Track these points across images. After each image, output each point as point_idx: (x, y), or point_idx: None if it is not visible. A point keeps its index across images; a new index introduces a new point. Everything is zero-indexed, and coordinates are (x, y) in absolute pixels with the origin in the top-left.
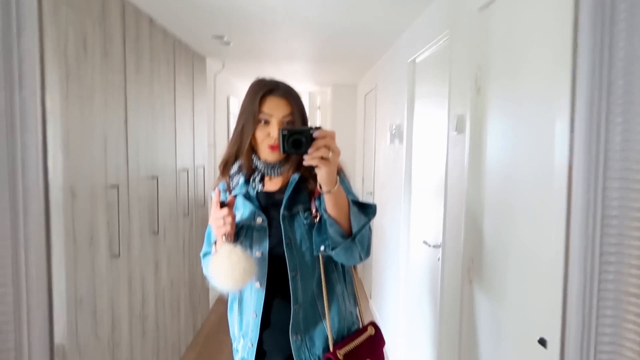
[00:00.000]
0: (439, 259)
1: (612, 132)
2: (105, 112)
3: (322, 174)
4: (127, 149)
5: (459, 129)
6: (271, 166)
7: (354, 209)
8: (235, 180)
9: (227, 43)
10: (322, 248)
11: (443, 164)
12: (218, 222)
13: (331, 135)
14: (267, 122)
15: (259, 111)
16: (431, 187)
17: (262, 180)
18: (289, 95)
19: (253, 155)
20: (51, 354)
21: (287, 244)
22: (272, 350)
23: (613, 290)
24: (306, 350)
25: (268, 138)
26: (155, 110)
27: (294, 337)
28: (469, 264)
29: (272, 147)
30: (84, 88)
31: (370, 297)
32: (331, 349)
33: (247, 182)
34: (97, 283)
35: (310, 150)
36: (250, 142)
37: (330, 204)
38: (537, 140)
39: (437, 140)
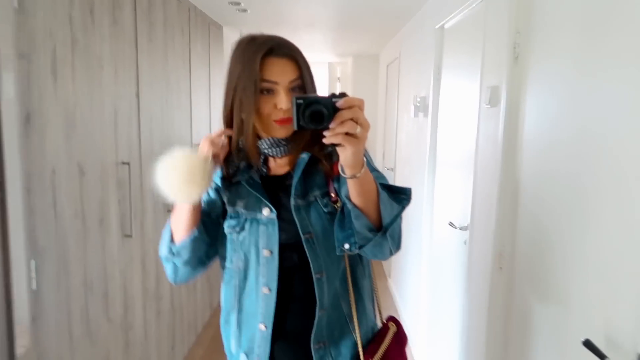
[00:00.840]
0: (465, 242)
1: None
2: (116, 84)
3: (346, 155)
4: (139, 123)
5: (493, 101)
6: (276, 144)
7: (384, 196)
8: (233, 166)
9: (244, 10)
10: (346, 246)
11: (472, 139)
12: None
13: (359, 105)
14: (270, 92)
15: (260, 79)
16: (458, 164)
17: (265, 163)
18: (295, 54)
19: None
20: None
21: (307, 241)
22: None
23: None
24: (332, 359)
25: (275, 111)
26: (169, 82)
27: (317, 346)
28: (500, 250)
29: (282, 121)
30: (92, 58)
31: (390, 276)
32: (362, 357)
33: (248, 167)
34: (108, 264)
35: (332, 125)
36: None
37: (356, 192)
38: (590, 115)
39: (466, 114)
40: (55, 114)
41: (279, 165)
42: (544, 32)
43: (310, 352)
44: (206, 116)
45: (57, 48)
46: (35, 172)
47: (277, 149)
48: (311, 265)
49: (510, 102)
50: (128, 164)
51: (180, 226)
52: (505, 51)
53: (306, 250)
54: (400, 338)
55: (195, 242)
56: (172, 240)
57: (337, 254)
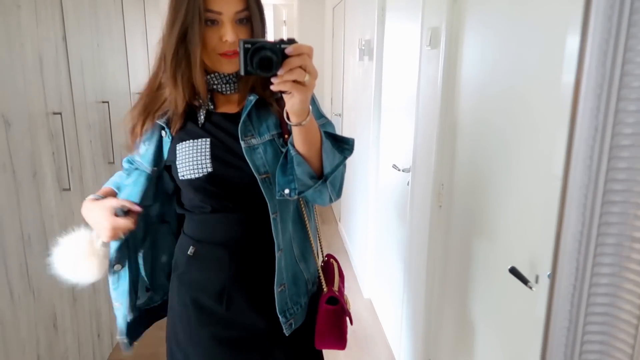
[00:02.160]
0: (408, 183)
1: (632, 50)
2: (37, 26)
3: (293, 102)
4: (69, 70)
5: (433, 43)
6: (226, 81)
7: (327, 145)
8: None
9: None
10: (286, 192)
11: (414, 82)
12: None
13: (308, 52)
14: (214, 23)
15: (204, 9)
16: (402, 107)
17: (212, 99)
18: None
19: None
20: None
21: (263, 181)
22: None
23: (615, 235)
24: (289, 300)
25: (221, 44)
26: (99, 23)
27: (279, 289)
28: (438, 189)
29: (228, 55)
30: None
31: (340, 221)
32: (325, 288)
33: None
34: (46, 219)
35: (281, 72)
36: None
37: (300, 139)
38: (526, 54)
39: (410, 57)
40: None
41: (228, 102)
42: None
43: (273, 295)
44: (144, 59)
45: None
46: None
47: (227, 85)
48: (268, 206)
49: (450, 43)
50: (60, 114)
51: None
52: None
53: (262, 190)
54: (341, 272)
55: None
56: None
57: (277, 197)
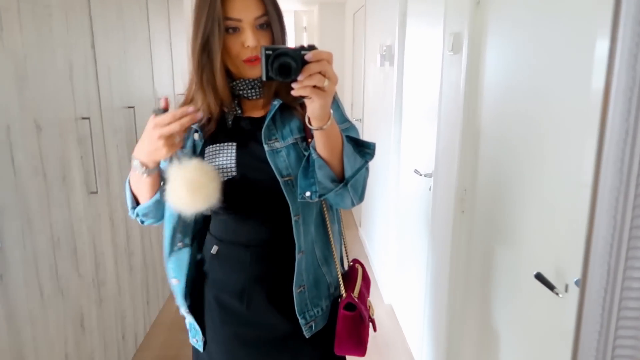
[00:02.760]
0: (430, 188)
1: None
2: (68, 34)
3: (313, 107)
4: (97, 76)
5: (455, 48)
6: (251, 85)
7: (348, 149)
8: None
9: None
10: (307, 194)
11: (436, 87)
12: (158, 138)
13: (327, 58)
14: (236, 30)
15: (223, 17)
16: (423, 112)
17: (239, 105)
18: None
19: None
20: None
21: (285, 183)
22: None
23: None
24: (309, 303)
25: (243, 50)
26: (126, 31)
27: (298, 290)
28: (461, 194)
29: (251, 61)
30: (39, 6)
31: (360, 226)
32: (344, 293)
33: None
34: (74, 221)
35: (301, 77)
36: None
37: (321, 143)
38: (546, 60)
39: (431, 62)
40: (4, 67)
41: (255, 107)
42: None
43: (292, 297)
44: (168, 66)
45: None
46: None
47: (252, 90)
48: (290, 208)
49: (472, 48)
50: (88, 119)
51: (140, 192)
52: None
53: (285, 193)
54: (366, 277)
55: (158, 203)
56: (134, 202)
57: (298, 200)
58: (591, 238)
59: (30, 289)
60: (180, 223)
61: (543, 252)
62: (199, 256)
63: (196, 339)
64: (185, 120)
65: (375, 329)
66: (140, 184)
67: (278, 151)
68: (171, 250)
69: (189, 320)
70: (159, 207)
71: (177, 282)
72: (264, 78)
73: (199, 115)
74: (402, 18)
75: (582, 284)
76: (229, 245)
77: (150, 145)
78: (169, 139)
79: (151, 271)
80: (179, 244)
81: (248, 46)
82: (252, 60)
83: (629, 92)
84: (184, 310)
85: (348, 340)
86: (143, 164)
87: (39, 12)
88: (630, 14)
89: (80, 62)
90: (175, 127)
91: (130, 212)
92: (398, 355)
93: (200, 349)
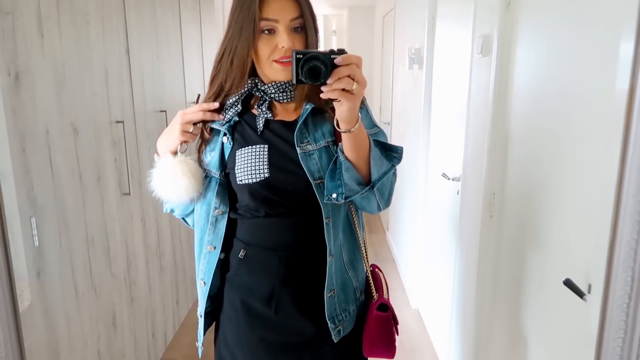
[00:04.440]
0: (458, 192)
1: None
2: (104, 40)
3: (342, 110)
4: (131, 81)
5: (485, 51)
6: (282, 89)
7: (375, 153)
8: (231, 113)
9: None
10: (334, 196)
11: (465, 90)
12: (183, 124)
13: (357, 62)
14: (270, 32)
15: (260, 17)
16: (452, 116)
17: (270, 108)
18: None
19: (255, 79)
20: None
21: (317, 186)
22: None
23: None
24: (337, 307)
25: (276, 51)
26: (159, 37)
27: (329, 295)
28: (490, 198)
29: (283, 62)
30: (78, 14)
31: (388, 230)
32: (375, 295)
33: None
34: (108, 222)
35: (330, 81)
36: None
37: (349, 146)
38: (578, 62)
39: (460, 65)
40: (44, 72)
41: (286, 111)
42: None
43: (321, 301)
44: (199, 71)
45: (40, 4)
46: (29, 131)
47: (284, 94)
48: (322, 210)
49: (502, 51)
50: (122, 122)
51: None
52: None
53: (317, 195)
54: (386, 282)
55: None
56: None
57: (324, 201)
58: (614, 242)
59: (65, 286)
60: (209, 226)
61: (573, 257)
62: (222, 257)
63: (198, 344)
64: (208, 113)
65: (397, 333)
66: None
67: (310, 154)
68: (200, 252)
69: (201, 323)
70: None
71: (203, 285)
72: (294, 81)
73: (220, 116)
74: (431, 21)
75: (604, 288)
76: (257, 248)
77: (170, 132)
78: (185, 125)
79: (181, 272)
80: (209, 247)
81: (283, 47)
82: (284, 61)
83: None
84: (201, 312)
85: (380, 341)
86: (157, 154)
87: (78, 20)
88: None
89: (115, 67)
90: (198, 114)
91: (164, 207)
92: (424, 359)
93: (199, 355)
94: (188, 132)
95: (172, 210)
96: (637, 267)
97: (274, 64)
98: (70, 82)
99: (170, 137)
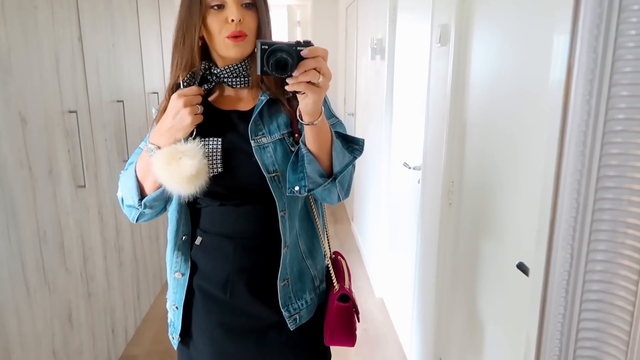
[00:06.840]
0: (419, 181)
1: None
2: (54, 26)
3: (307, 103)
4: (84, 69)
5: (443, 40)
6: (236, 73)
7: (337, 145)
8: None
9: None
10: (296, 189)
11: (425, 80)
12: (181, 115)
13: (323, 55)
14: (220, 7)
15: None
16: (413, 105)
17: (218, 91)
18: None
19: (209, 63)
20: None
21: (272, 179)
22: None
23: (608, 221)
24: (293, 295)
25: (226, 26)
26: (114, 24)
27: (282, 284)
28: (448, 187)
29: (234, 37)
30: None
31: (353, 220)
32: (336, 285)
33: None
34: (61, 215)
35: (296, 73)
36: (200, 41)
37: (312, 138)
38: (530, 53)
39: (420, 56)
40: None
41: (238, 98)
42: None
43: (276, 289)
44: (159, 60)
45: None
46: None
47: (237, 79)
48: (277, 204)
49: (459, 40)
50: (75, 112)
51: (150, 180)
52: None
53: (271, 189)
54: (349, 270)
55: (164, 192)
56: (140, 193)
57: (287, 194)
58: (554, 221)
59: (15, 283)
60: (184, 216)
61: (526, 242)
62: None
63: (173, 335)
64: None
65: (359, 320)
66: (150, 170)
67: (265, 147)
68: (175, 243)
69: (171, 316)
70: (163, 197)
71: (181, 276)
72: (258, 72)
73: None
74: (392, 11)
75: (545, 267)
76: (213, 236)
77: (174, 118)
78: (194, 107)
79: (142, 266)
80: (183, 237)
81: (232, 20)
82: (236, 37)
83: (590, 75)
84: (171, 305)
85: (340, 331)
86: (157, 146)
87: (24, 4)
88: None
89: (66, 55)
90: (198, 98)
91: (130, 201)
92: (388, 347)
93: (175, 347)
94: (197, 113)
95: (149, 208)
96: (577, 245)
97: (226, 40)
98: (17, 70)
99: (178, 123)
